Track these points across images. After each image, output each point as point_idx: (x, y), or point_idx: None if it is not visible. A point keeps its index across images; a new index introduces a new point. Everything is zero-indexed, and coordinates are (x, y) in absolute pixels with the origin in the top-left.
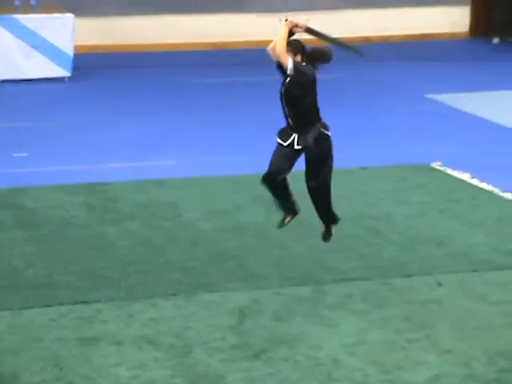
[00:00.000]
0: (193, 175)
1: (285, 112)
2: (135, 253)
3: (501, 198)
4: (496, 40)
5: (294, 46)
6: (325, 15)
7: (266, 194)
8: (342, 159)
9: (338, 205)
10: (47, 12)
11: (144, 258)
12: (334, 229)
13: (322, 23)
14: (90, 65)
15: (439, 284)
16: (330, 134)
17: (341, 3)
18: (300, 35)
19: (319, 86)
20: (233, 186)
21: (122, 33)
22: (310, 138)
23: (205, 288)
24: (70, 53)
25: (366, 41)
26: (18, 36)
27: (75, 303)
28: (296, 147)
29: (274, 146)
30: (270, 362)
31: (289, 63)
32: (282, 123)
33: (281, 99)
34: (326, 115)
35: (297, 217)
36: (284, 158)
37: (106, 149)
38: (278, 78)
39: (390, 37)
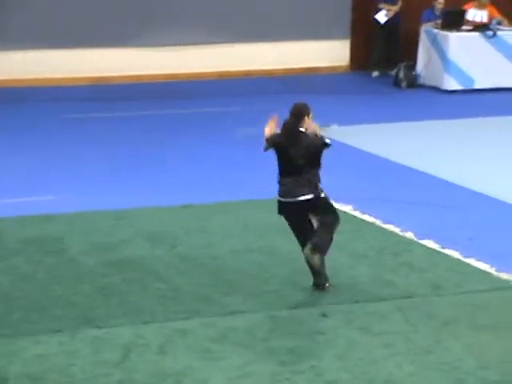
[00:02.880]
0: (74, 210)
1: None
2: (19, 289)
3: (382, 229)
4: (375, 73)
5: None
6: (206, 49)
7: (148, 228)
8: (232, 192)
9: (224, 238)
10: None
11: (28, 294)
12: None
13: (203, 58)
14: None
15: (323, 315)
16: None
17: (222, 37)
18: None
19: (197, 122)
20: (115, 220)
21: (2, 68)
22: None
23: (89, 324)
24: None
25: (248, 74)
26: None
27: None
28: None
29: (152, 180)
30: None
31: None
32: (161, 157)
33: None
34: (211, 149)
35: (178, 250)
36: None
37: None
38: (156, 112)
39: (272, 71)
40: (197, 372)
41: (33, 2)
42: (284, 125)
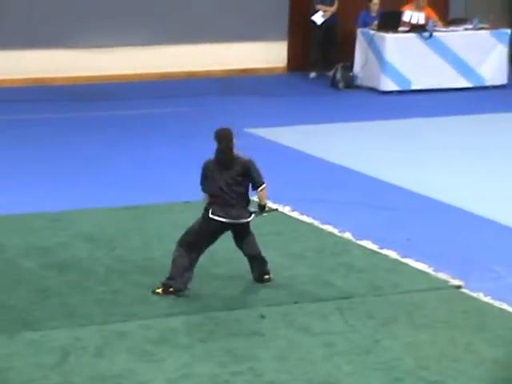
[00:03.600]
0: (10, 212)
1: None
2: None
3: (321, 230)
4: (313, 74)
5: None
6: (147, 50)
7: (87, 230)
8: (169, 193)
9: (162, 240)
10: None
11: None
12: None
13: (144, 58)
14: None
15: (262, 316)
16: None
17: (158, 39)
18: None
19: (135, 123)
20: (52, 222)
21: None
22: None
23: (27, 326)
24: None
25: (188, 76)
26: None
27: None
28: None
29: (90, 182)
30: None
31: None
32: (98, 159)
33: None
34: (149, 151)
35: (117, 252)
36: None
37: None
38: (94, 113)
39: (210, 72)
40: (136, 374)
41: None
42: (217, 152)
